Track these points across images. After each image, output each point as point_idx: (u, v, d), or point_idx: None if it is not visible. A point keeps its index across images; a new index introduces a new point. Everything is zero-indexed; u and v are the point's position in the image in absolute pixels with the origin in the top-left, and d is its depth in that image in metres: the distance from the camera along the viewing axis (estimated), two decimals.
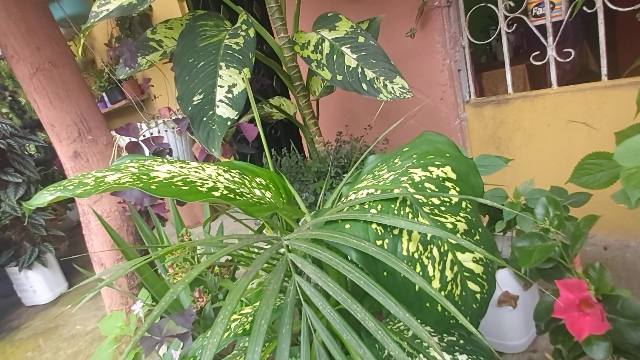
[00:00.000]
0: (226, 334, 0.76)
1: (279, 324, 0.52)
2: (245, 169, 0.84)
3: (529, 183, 1.16)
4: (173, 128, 1.60)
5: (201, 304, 0.97)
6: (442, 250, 0.64)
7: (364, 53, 1.29)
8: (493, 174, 1.17)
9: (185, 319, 0.92)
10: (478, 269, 0.67)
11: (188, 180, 0.68)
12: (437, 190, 0.69)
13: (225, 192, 0.69)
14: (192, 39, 1.33)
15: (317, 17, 1.47)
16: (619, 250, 1.65)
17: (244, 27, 1.34)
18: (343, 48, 1.31)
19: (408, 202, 0.66)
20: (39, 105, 1.56)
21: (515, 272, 1.15)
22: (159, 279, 1.27)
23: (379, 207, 0.65)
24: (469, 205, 0.70)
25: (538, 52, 1.68)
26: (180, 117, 1.59)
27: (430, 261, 0.63)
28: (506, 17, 1.73)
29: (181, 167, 0.75)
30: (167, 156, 1.47)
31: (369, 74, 1.26)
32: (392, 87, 1.23)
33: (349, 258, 0.60)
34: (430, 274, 0.63)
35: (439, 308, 0.63)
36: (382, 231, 0.63)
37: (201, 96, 1.22)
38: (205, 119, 1.19)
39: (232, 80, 1.23)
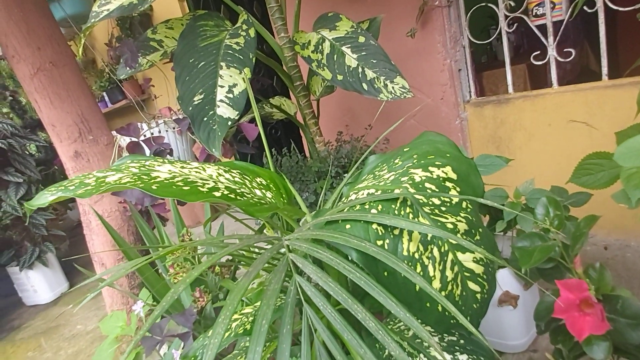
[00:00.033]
0: (227, 334, 0.76)
1: (280, 323, 0.52)
2: (246, 169, 0.84)
3: (530, 183, 1.16)
4: (174, 128, 1.60)
5: (202, 304, 0.97)
6: (442, 250, 0.65)
7: (364, 53, 1.29)
8: (493, 173, 1.17)
9: (186, 319, 0.92)
10: (478, 269, 0.67)
11: (189, 180, 0.68)
12: (437, 190, 0.69)
13: (226, 192, 0.69)
14: (192, 39, 1.33)
15: (317, 17, 1.47)
16: (619, 250, 1.65)
17: (244, 27, 1.34)
18: (343, 48, 1.31)
19: (408, 202, 0.66)
20: (39, 105, 1.56)
21: (516, 272, 1.15)
22: (160, 278, 1.27)
23: (380, 207, 0.66)
24: (469, 206, 0.71)
25: (538, 52, 1.68)
26: (180, 117, 1.60)
27: (430, 261, 0.63)
28: (507, 16, 1.73)
29: (182, 167, 0.75)
30: (168, 156, 1.47)
31: (370, 74, 1.26)
32: (393, 87, 1.23)
33: (350, 258, 0.60)
34: (431, 274, 0.63)
35: (440, 308, 0.63)
36: (383, 231, 0.63)
37: (202, 96, 1.22)
38: (205, 119, 1.19)
39: (232, 80, 1.23)
